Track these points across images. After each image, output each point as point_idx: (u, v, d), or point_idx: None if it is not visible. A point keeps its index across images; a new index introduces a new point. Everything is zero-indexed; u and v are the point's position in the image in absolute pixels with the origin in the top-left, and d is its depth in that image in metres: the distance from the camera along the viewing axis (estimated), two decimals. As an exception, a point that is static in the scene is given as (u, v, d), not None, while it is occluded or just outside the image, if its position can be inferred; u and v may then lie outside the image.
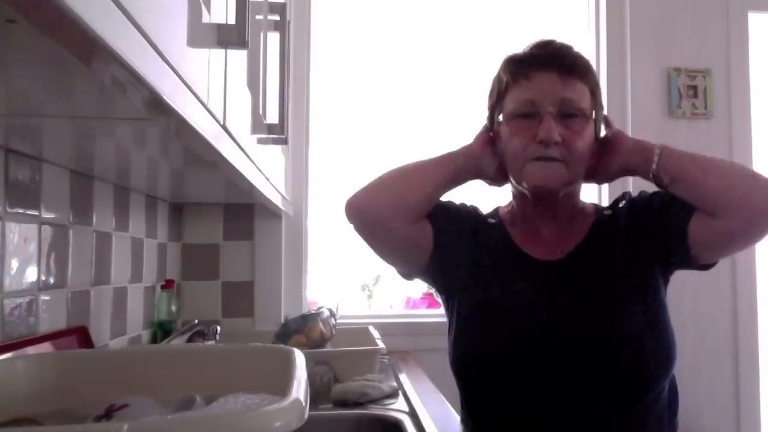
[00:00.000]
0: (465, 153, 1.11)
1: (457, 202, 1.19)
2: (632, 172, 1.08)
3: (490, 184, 1.17)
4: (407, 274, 1.17)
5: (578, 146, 1.01)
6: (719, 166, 0.99)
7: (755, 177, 0.97)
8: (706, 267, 1.07)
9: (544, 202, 1.08)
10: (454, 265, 1.10)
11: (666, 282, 1.08)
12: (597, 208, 1.15)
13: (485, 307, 1.05)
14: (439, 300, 1.20)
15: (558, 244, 1.09)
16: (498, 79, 1.10)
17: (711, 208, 0.96)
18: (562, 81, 1.01)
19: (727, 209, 0.94)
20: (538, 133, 1.00)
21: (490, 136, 1.11)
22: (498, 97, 1.09)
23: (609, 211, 1.12)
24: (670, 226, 1.02)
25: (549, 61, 1.02)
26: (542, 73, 1.01)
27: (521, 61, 1.04)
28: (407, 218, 1.06)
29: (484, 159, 1.11)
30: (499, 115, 1.09)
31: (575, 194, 1.12)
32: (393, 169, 1.11)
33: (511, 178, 1.10)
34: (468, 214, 1.17)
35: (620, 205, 1.11)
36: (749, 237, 0.99)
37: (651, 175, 1.03)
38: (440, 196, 1.12)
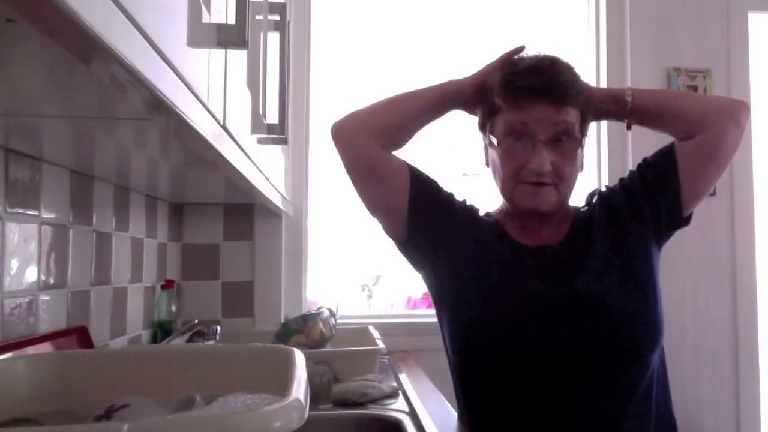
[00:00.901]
0: (454, 82, 1.17)
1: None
2: (605, 117, 1.19)
3: (470, 113, 1.22)
4: (394, 232, 1.17)
5: (568, 171, 1.07)
6: (681, 93, 1.14)
7: (706, 95, 1.09)
8: (687, 220, 1.13)
9: (529, 215, 1.13)
10: (437, 222, 1.13)
11: (659, 250, 1.13)
12: (574, 208, 1.20)
13: (484, 272, 1.08)
14: (422, 276, 1.20)
15: (548, 237, 1.13)
16: (490, 92, 1.11)
17: (692, 126, 1.09)
18: (555, 109, 1.04)
19: (706, 121, 1.08)
20: (531, 160, 1.04)
21: (482, 81, 1.16)
22: (490, 111, 1.12)
23: (585, 208, 1.18)
24: (661, 174, 1.10)
25: (542, 92, 1.04)
26: (535, 103, 1.04)
27: (515, 90, 1.05)
28: (382, 138, 1.12)
29: (470, 96, 1.17)
30: (490, 128, 1.12)
31: (565, 207, 1.16)
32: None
33: (502, 195, 1.14)
34: (457, 199, 1.21)
35: (593, 200, 1.18)
36: (731, 139, 1.09)
37: (625, 118, 1.15)
38: (418, 124, 1.18)
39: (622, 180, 1.18)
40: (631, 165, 2.11)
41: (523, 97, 1.04)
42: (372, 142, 1.12)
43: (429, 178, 1.18)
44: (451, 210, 1.16)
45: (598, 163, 2.19)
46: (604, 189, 1.21)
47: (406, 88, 1.20)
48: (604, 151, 2.17)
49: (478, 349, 1.05)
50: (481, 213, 1.22)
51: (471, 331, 1.05)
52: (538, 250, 1.10)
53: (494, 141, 1.09)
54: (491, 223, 1.17)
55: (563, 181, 1.06)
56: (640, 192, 1.12)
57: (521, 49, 1.14)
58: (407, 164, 1.16)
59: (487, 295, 1.05)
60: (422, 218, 1.13)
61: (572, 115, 1.06)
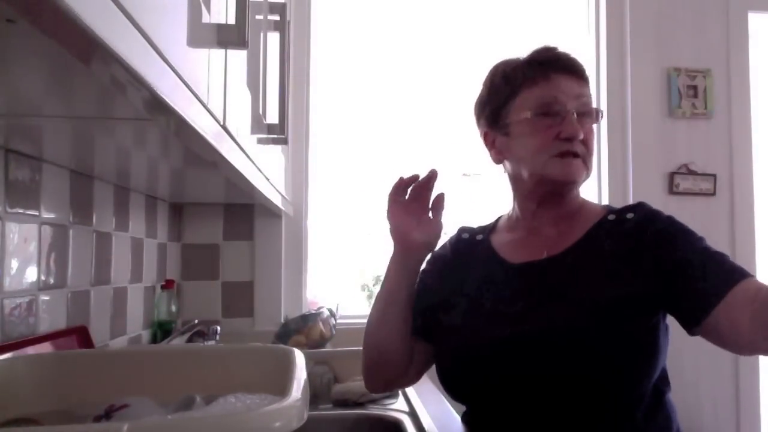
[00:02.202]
0: (389, 271, 1.10)
1: (427, 264, 1.18)
2: None
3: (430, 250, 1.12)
4: None
5: (592, 144, 1.08)
6: None
7: None
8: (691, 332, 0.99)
9: (549, 201, 1.09)
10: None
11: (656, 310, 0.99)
12: (607, 210, 1.12)
13: (456, 328, 1.06)
14: None
15: (551, 245, 1.07)
16: (503, 81, 1.10)
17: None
18: (578, 83, 1.06)
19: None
20: (563, 130, 1.03)
21: (397, 202, 1.08)
22: (507, 98, 1.09)
23: (613, 216, 1.09)
24: (688, 296, 0.95)
25: (567, 64, 1.06)
26: (561, 74, 1.05)
27: (539, 63, 1.07)
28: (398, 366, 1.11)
29: (409, 245, 1.08)
30: (505, 116, 1.09)
31: (578, 192, 1.13)
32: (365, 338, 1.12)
33: (526, 176, 1.08)
34: (441, 263, 1.17)
35: (628, 216, 1.06)
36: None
37: None
38: (405, 328, 1.09)
39: (679, 238, 1.00)
40: (631, 165, 2.12)
41: (549, 68, 1.05)
42: (401, 369, 1.12)
43: (420, 303, 1.12)
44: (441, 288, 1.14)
45: (598, 164, 2.19)
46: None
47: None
48: (604, 152, 2.17)
49: (456, 378, 1.04)
50: (487, 221, 1.21)
51: (448, 365, 1.05)
52: (520, 270, 1.06)
53: (512, 127, 1.08)
54: (477, 246, 1.16)
55: (589, 153, 1.07)
56: (678, 280, 0.97)
57: (415, 178, 1.06)
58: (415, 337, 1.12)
59: (460, 328, 1.04)
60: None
61: (589, 93, 1.09)
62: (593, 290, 0.98)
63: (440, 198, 1.08)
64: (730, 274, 0.95)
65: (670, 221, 1.03)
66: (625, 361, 0.93)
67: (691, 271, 0.95)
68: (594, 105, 1.09)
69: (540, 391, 0.95)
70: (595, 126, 1.09)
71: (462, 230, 1.21)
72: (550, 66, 1.06)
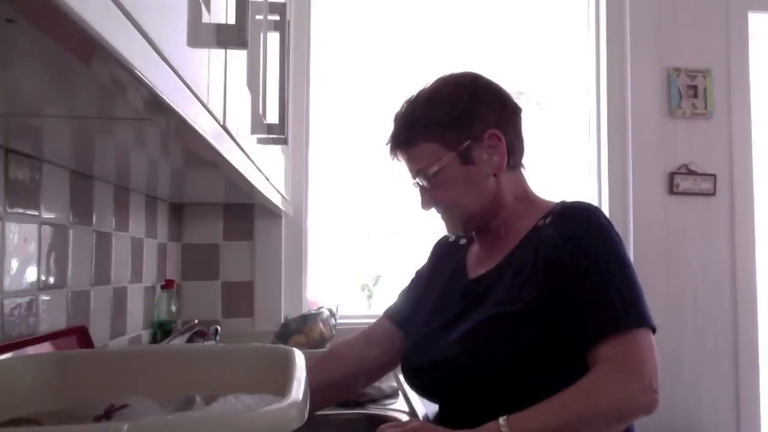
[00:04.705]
0: None
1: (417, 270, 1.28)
2: None
3: None
4: None
5: (444, 198, 1.08)
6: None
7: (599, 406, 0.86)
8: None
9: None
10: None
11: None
12: (546, 212, 1.05)
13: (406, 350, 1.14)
14: None
15: (493, 258, 1.08)
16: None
17: None
18: (408, 156, 1.09)
19: None
20: None
21: None
22: None
23: (542, 221, 1.04)
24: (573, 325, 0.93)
25: (394, 144, 1.11)
26: (399, 152, 1.11)
27: (387, 144, 1.14)
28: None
29: None
30: None
31: (498, 208, 1.08)
32: None
33: None
34: (427, 271, 1.25)
35: (547, 221, 1.02)
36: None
37: None
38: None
39: (570, 271, 0.95)
40: (631, 165, 2.12)
41: (392, 151, 1.12)
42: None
43: (400, 296, 1.25)
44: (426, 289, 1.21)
45: (598, 164, 2.19)
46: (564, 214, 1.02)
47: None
48: (604, 152, 2.17)
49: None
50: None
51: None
52: (473, 281, 1.09)
53: None
54: (455, 254, 1.20)
55: (451, 207, 1.08)
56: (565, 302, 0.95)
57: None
58: (385, 319, 1.23)
59: (408, 350, 1.13)
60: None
61: (426, 149, 1.06)
62: (489, 309, 0.99)
63: None
64: (599, 327, 0.91)
65: (574, 242, 0.96)
66: (502, 379, 0.94)
67: (572, 306, 0.93)
68: (427, 167, 1.05)
69: (460, 404, 1.00)
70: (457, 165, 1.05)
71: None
72: (390, 147, 1.12)
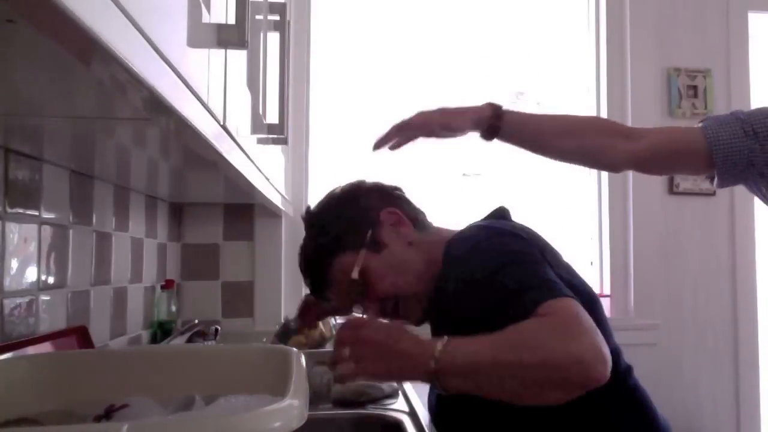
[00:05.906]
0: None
1: None
2: None
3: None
4: None
5: (386, 287, 1.06)
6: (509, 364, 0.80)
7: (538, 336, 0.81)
8: None
9: None
10: None
11: None
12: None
13: None
14: None
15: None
16: None
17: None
18: (334, 283, 1.10)
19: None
20: None
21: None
22: None
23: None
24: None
25: (316, 289, 1.14)
26: (326, 295, 1.14)
27: None
28: None
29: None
30: None
31: (436, 269, 1.05)
32: None
33: None
34: None
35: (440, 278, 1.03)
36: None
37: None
38: None
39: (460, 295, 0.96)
40: (631, 165, 2.11)
41: (318, 298, 1.17)
42: None
43: None
44: None
45: (598, 163, 2.19)
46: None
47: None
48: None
49: None
50: None
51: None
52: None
53: None
54: None
55: (394, 298, 1.07)
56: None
57: None
58: None
59: None
60: None
61: (341, 265, 1.07)
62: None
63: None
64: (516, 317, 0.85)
65: (454, 276, 0.98)
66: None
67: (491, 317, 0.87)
68: (351, 271, 1.05)
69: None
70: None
71: None
72: (316, 294, 1.16)
